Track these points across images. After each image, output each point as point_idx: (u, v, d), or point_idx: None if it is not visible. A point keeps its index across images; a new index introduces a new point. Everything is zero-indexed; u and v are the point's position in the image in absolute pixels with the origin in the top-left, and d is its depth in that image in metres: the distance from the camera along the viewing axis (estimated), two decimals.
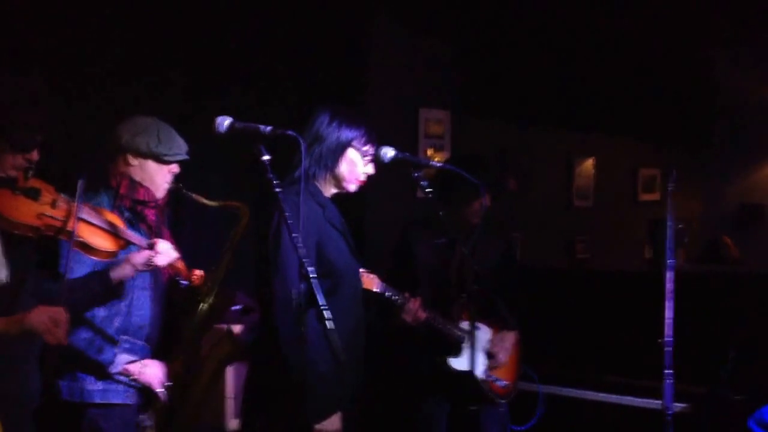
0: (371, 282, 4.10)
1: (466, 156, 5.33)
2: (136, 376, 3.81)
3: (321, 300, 3.01)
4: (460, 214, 4.70)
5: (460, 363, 4.62)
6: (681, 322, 4.35)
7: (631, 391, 5.21)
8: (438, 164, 4.27)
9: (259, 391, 3.73)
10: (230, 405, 5.03)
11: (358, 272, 3.92)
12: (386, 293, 4.25)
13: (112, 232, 3.48)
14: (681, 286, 4.37)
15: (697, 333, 4.99)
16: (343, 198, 3.90)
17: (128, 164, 3.82)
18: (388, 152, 3.77)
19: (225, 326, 4.26)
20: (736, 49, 9.29)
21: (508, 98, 7.54)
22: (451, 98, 7.03)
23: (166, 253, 3.65)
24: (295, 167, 3.65)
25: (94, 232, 3.41)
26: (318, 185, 3.79)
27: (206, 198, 3.99)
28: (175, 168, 3.91)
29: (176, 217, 4.28)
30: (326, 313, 2.99)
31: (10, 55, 4.60)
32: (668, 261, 4.33)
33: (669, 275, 4.29)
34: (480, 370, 4.71)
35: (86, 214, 3.37)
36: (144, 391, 3.85)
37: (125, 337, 3.80)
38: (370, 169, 3.84)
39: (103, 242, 3.43)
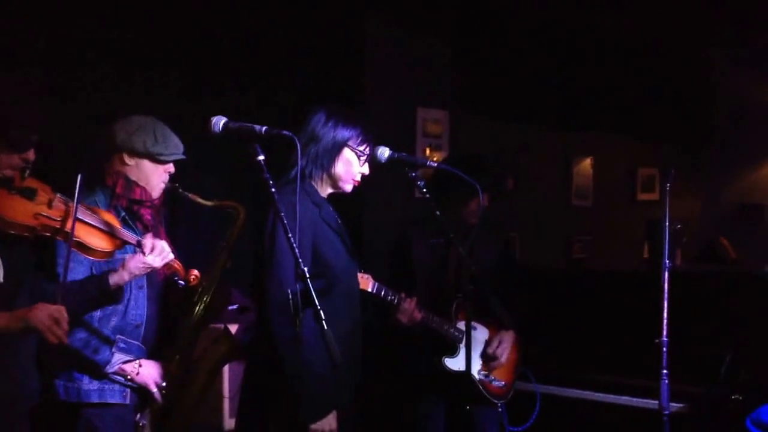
0: (365, 282, 4.10)
1: (464, 156, 5.32)
2: (132, 376, 3.80)
3: (316, 300, 3.01)
4: (458, 214, 4.70)
5: (456, 363, 4.61)
6: (678, 322, 4.36)
7: (628, 391, 5.21)
8: (435, 164, 4.25)
9: (255, 391, 3.73)
10: (227, 405, 5.03)
11: (355, 272, 3.92)
12: (381, 293, 4.25)
13: (108, 231, 3.48)
14: (678, 285, 4.38)
15: (695, 333, 4.99)
16: (341, 198, 3.90)
17: (124, 163, 3.81)
18: (385, 152, 3.76)
19: (221, 326, 4.26)
20: (735, 50, 9.29)
21: (506, 98, 7.54)
22: (449, 98, 7.03)
23: (161, 253, 3.64)
24: (291, 167, 3.66)
25: (90, 232, 3.41)
26: (314, 185, 3.79)
27: (202, 198, 3.98)
28: (171, 167, 3.90)
29: (173, 216, 4.28)
30: (321, 313, 2.99)
31: (6, 54, 4.60)
32: (665, 261, 4.33)
33: (666, 276, 4.30)
34: (477, 371, 4.71)
35: (82, 213, 3.37)
36: (140, 390, 3.84)
37: (121, 337, 3.79)
38: (366, 169, 3.84)
39: (99, 242, 3.43)
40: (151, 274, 3.81)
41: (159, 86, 5.31)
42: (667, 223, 4.38)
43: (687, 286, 5.03)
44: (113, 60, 5.15)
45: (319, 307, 2.99)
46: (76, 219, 3.29)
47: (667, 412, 4.29)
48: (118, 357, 3.77)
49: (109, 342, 3.75)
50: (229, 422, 4.97)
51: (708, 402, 4.94)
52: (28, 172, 3.29)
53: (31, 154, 3.30)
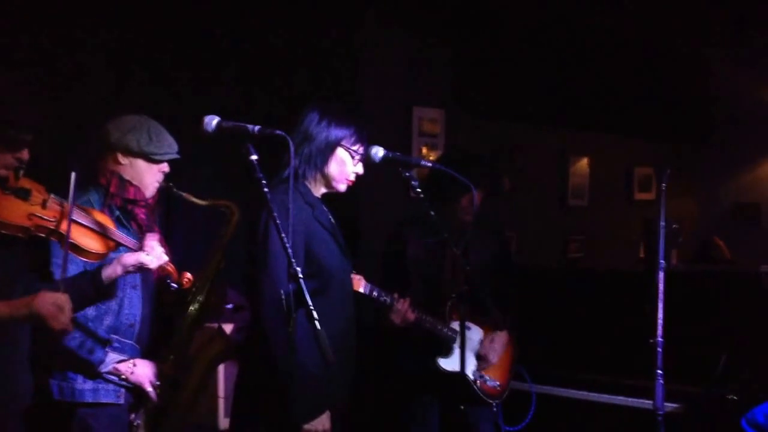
0: (357, 283, 4.10)
1: (457, 153, 5.33)
2: (126, 376, 3.79)
3: (309, 300, 3.01)
4: (451, 211, 4.69)
5: (450, 363, 4.61)
6: (674, 321, 4.36)
7: (623, 390, 5.21)
8: (428, 163, 4.25)
9: (248, 391, 3.73)
10: (222, 404, 5.03)
11: (349, 272, 3.92)
12: (373, 294, 4.25)
13: (102, 233, 3.47)
14: (674, 285, 4.37)
15: (690, 333, 4.99)
16: (336, 197, 3.90)
17: (118, 163, 3.80)
18: (379, 152, 3.75)
19: (216, 325, 4.26)
20: (733, 49, 9.28)
21: (502, 97, 7.53)
22: (445, 97, 7.03)
23: (156, 255, 3.63)
24: (284, 167, 3.65)
25: (84, 234, 3.39)
26: (307, 185, 3.78)
27: (196, 197, 3.98)
28: (165, 167, 3.89)
29: (168, 216, 4.27)
30: (314, 314, 2.99)
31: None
32: (660, 262, 4.33)
33: (660, 276, 4.30)
34: (471, 371, 4.71)
35: (76, 214, 3.35)
36: (134, 390, 3.83)
37: (115, 337, 3.79)
38: (360, 168, 3.83)
39: (93, 243, 3.41)
40: (146, 273, 3.80)
41: (153, 85, 5.29)
42: (662, 223, 4.38)
43: (682, 286, 5.04)
44: (107, 59, 5.14)
45: (311, 307, 2.99)
46: (71, 221, 3.28)
47: (661, 412, 4.29)
48: (113, 356, 3.76)
49: (104, 341, 3.75)
50: (224, 422, 4.98)
51: (703, 402, 4.94)
52: (22, 172, 3.28)
53: (25, 154, 3.29)
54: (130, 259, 3.59)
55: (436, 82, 6.95)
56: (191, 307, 3.94)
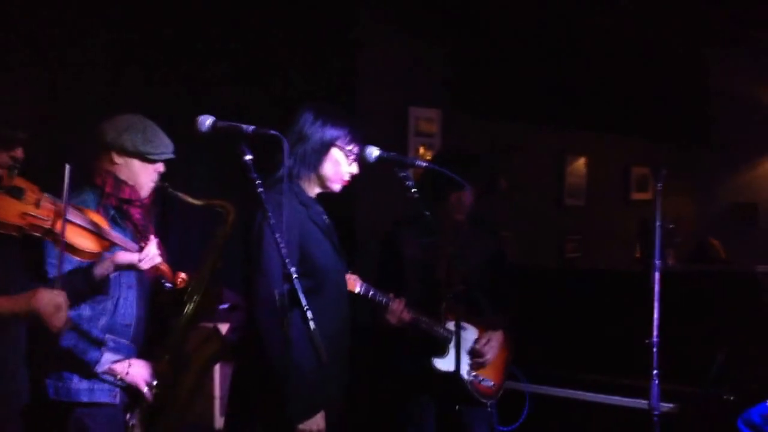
0: (353, 283, 4.09)
1: (448, 152, 5.34)
2: (122, 376, 3.79)
3: (303, 300, 3.00)
4: (443, 210, 4.69)
5: (445, 363, 4.61)
6: (670, 321, 4.36)
7: (619, 390, 5.21)
8: (423, 163, 4.25)
9: (243, 391, 3.73)
10: (218, 404, 5.03)
11: (343, 272, 3.91)
12: (369, 294, 4.24)
13: (96, 233, 3.46)
14: (670, 285, 4.37)
15: (686, 332, 4.99)
16: (333, 197, 3.90)
17: (113, 162, 3.81)
18: (374, 152, 3.75)
19: (211, 325, 4.26)
20: (729, 49, 9.29)
21: (499, 96, 7.53)
22: (442, 96, 7.02)
23: (149, 256, 3.63)
24: (279, 167, 3.65)
25: (78, 233, 3.39)
26: (302, 185, 3.77)
27: (192, 197, 3.98)
28: (160, 167, 3.90)
29: (164, 215, 4.27)
30: (309, 314, 2.99)
31: None
32: (656, 262, 4.33)
33: (656, 276, 4.30)
34: (466, 371, 4.71)
35: (71, 214, 3.35)
36: (130, 390, 3.84)
37: (111, 337, 3.79)
38: (355, 168, 3.83)
39: (87, 243, 3.41)
40: (141, 273, 3.80)
41: (149, 84, 5.29)
42: (658, 223, 4.38)
43: (678, 286, 5.03)
44: (103, 58, 5.13)
45: (306, 307, 2.99)
46: (66, 220, 3.28)
47: (657, 412, 4.30)
48: (108, 356, 3.76)
49: (99, 341, 3.75)
50: (220, 422, 4.97)
51: (699, 402, 4.94)
52: (16, 171, 3.28)
53: (19, 152, 3.28)
54: (123, 258, 3.58)
55: (432, 82, 6.95)
56: (187, 307, 3.94)
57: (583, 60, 8.02)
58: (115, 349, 3.80)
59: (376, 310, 4.36)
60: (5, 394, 3.47)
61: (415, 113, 6.84)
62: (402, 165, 3.83)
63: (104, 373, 3.76)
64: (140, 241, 3.72)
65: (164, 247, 3.82)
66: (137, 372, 3.82)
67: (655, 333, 4.28)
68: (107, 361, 3.76)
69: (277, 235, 3.08)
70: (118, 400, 3.82)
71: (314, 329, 3.00)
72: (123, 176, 3.82)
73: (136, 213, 3.86)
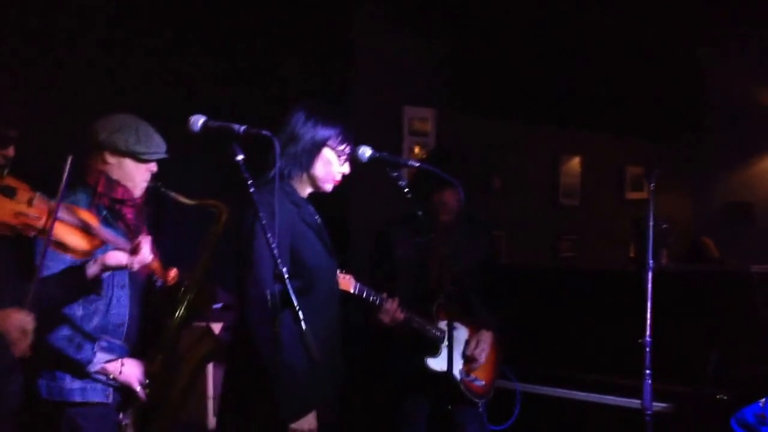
0: (348, 283, 4.09)
1: (439, 152, 5.34)
2: (115, 375, 3.79)
3: (295, 300, 3.00)
4: (430, 210, 4.68)
5: (438, 363, 4.61)
6: (663, 321, 4.36)
7: (612, 390, 5.21)
8: (416, 163, 4.25)
9: (235, 390, 3.72)
10: (211, 404, 5.03)
11: (335, 272, 3.91)
12: (363, 294, 4.24)
13: (88, 231, 3.46)
14: (663, 284, 4.37)
15: (680, 332, 4.99)
16: (327, 197, 3.90)
17: (106, 162, 3.79)
18: (366, 152, 3.75)
19: (204, 324, 4.26)
20: (724, 48, 9.30)
21: (493, 95, 7.53)
22: (436, 95, 7.02)
23: (141, 257, 3.62)
24: (270, 167, 3.65)
25: (70, 231, 3.38)
26: (293, 185, 3.77)
27: (185, 196, 3.97)
28: (153, 166, 3.89)
29: (157, 215, 4.26)
30: (300, 314, 2.99)
31: None
32: (649, 261, 4.33)
33: (649, 276, 4.30)
34: (458, 370, 4.71)
35: (62, 212, 3.34)
36: (123, 390, 3.83)
37: (104, 336, 3.79)
38: (346, 168, 3.83)
39: (78, 241, 3.40)
40: (134, 273, 3.80)
41: (142, 83, 5.28)
42: (651, 223, 4.38)
43: (672, 286, 5.04)
44: (95, 57, 5.13)
45: (297, 307, 2.99)
46: (56, 219, 3.27)
47: (649, 412, 4.30)
48: (101, 356, 3.76)
49: (92, 341, 3.75)
50: (213, 421, 4.97)
51: (692, 402, 4.94)
52: (7, 170, 3.27)
53: (10, 151, 3.29)
54: (113, 260, 3.57)
55: (426, 81, 6.95)
56: (180, 307, 3.93)
57: (577, 59, 8.03)
58: (108, 349, 3.79)
59: (370, 309, 4.36)
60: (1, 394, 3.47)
61: (409, 112, 6.85)
62: (394, 165, 3.83)
63: (97, 372, 3.76)
64: (132, 241, 3.72)
65: (157, 247, 3.82)
66: (130, 372, 3.82)
67: (647, 333, 4.28)
68: (100, 360, 3.75)
69: (269, 235, 3.08)
70: (111, 399, 3.81)
71: (306, 329, 3.00)
72: (115, 176, 3.81)
73: (128, 213, 3.85)
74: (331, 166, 3.78)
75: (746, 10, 7.92)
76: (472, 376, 4.77)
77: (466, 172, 4.69)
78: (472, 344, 4.78)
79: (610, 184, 9.67)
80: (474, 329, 4.82)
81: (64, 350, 3.69)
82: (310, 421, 3.61)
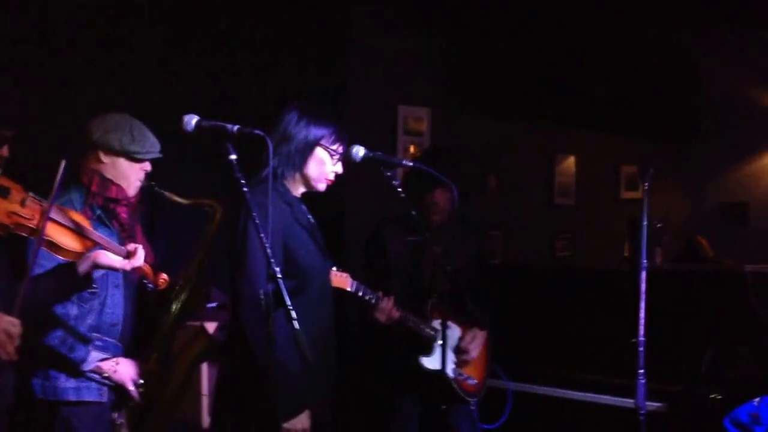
0: (344, 281, 4.09)
1: (432, 151, 5.35)
2: (109, 374, 3.78)
3: (288, 300, 3.01)
4: (423, 210, 4.68)
5: (431, 362, 4.62)
6: (658, 320, 4.36)
7: (606, 389, 5.21)
8: (409, 163, 4.25)
9: (228, 390, 3.73)
10: (205, 403, 5.03)
11: (328, 271, 3.92)
12: (359, 292, 4.25)
13: (80, 232, 3.45)
14: (658, 284, 4.37)
15: (674, 332, 5.00)
16: (322, 196, 3.90)
17: (99, 161, 3.79)
18: (360, 151, 3.75)
19: (199, 323, 4.26)
20: (720, 47, 9.29)
21: (488, 95, 7.53)
22: (431, 95, 7.02)
23: (135, 260, 3.62)
24: (263, 166, 3.65)
25: (62, 232, 3.38)
26: (286, 184, 3.78)
27: (179, 196, 3.97)
28: (147, 166, 3.88)
29: (150, 215, 4.26)
30: (293, 313, 2.99)
31: None
32: (642, 261, 4.33)
33: (642, 275, 4.30)
34: (451, 369, 4.72)
35: (54, 213, 3.34)
36: (117, 389, 3.83)
37: (98, 335, 3.78)
38: (339, 168, 3.84)
39: (71, 242, 3.40)
40: (127, 273, 3.79)
41: (136, 82, 5.28)
42: (645, 222, 4.38)
43: (666, 285, 5.04)
44: (89, 56, 5.12)
45: (290, 307, 2.99)
46: (48, 219, 3.27)
47: (643, 411, 4.30)
48: (95, 355, 3.76)
49: (86, 340, 3.74)
50: (207, 420, 4.97)
51: (686, 401, 4.95)
52: (0, 170, 3.27)
53: (4, 151, 3.28)
54: (105, 258, 3.56)
55: (421, 81, 6.95)
56: (174, 306, 3.93)
57: (572, 58, 8.02)
58: (102, 348, 3.79)
59: (365, 308, 4.36)
60: None
61: (404, 112, 6.84)
62: (387, 164, 3.84)
63: (91, 371, 3.75)
64: (126, 241, 3.72)
65: (150, 247, 3.82)
66: (124, 371, 3.81)
67: (641, 332, 4.28)
68: (94, 359, 3.75)
69: (262, 235, 3.08)
70: (105, 398, 3.81)
71: (298, 329, 3.00)
72: (109, 175, 3.80)
73: (122, 212, 3.85)
74: (323, 166, 3.79)
75: (742, 10, 7.91)
76: (465, 374, 4.77)
77: (460, 172, 4.68)
78: (465, 342, 4.78)
79: (606, 183, 9.66)
80: (466, 327, 4.82)
81: (58, 349, 3.69)
82: (303, 420, 3.62)
